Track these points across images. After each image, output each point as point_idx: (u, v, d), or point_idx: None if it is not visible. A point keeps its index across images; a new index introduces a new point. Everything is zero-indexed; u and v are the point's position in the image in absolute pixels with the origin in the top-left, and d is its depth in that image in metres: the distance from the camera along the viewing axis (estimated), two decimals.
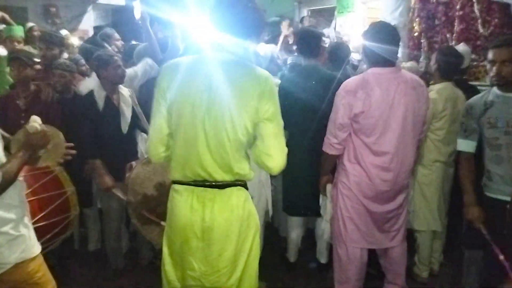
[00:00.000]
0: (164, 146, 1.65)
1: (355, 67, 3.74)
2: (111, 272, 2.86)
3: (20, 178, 1.66)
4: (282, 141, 1.62)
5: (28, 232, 1.67)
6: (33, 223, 2.01)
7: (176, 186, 1.66)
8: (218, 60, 1.57)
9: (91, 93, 2.67)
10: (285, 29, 4.52)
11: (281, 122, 1.62)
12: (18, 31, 3.99)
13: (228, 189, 1.63)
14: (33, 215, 2.07)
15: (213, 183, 1.61)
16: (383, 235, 2.29)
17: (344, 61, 3.17)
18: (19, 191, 1.65)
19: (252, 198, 1.75)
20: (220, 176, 1.60)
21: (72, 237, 3.15)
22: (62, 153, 1.82)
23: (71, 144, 1.87)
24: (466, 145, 2.25)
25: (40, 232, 1.83)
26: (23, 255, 1.62)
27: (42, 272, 1.71)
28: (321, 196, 2.58)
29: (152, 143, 1.66)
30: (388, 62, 2.11)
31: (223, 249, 1.63)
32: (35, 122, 1.62)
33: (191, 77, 1.57)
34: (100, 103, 2.66)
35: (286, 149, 1.63)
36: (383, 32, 2.12)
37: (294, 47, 5.09)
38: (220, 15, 1.58)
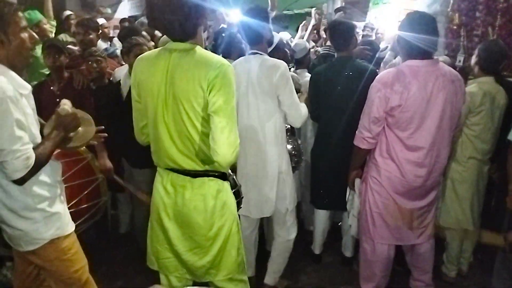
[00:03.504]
0: (144, 135, 1.75)
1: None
2: (141, 254, 2.94)
3: (57, 160, 1.74)
4: (231, 135, 1.50)
5: (63, 210, 1.74)
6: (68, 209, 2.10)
7: (158, 167, 1.74)
8: (178, 50, 1.55)
9: (118, 82, 2.74)
10: (314, 19, 4.44)
11: (232, 114, 1.51)
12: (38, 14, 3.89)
13: (199, 179, 1.63)
14: (67, 201, 2.16)
15: (185, 171, 1.63)
16: (411, 231, 2.23)
17: (374, 58, 3.12)
18: (55, 171, 1.72)
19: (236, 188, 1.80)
20: (189, 165, 1.61)
21: (106, 220, 3.28)
22: (91, 136, 1.87)
23: (102, 127, 1.95)
24: None
25: (73, 217, 1.91)
26: (58, 232, 1.69)
27: (75, 249, 1.77)
28: (348, 190, 2.55)
29: (135, 134, 1.77)
30: (425, 54, 2.02)
31: (193, 233, 1.68)
32: (66, 105, 1.68)
33: (154, 69, 1.58)
34: (125, 92, 2.68)
35: (235, 143, 1.52)
36: (420, 22, 2.03)
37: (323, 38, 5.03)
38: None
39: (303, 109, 2.35)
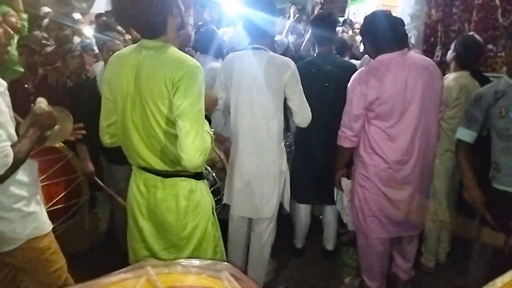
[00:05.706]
0: (108, 135, 1.71)
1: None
2: (120, 253, 2.90)
3: (34, 159, 1.69)
4: (197, 139, 1.43)
5: (40, 209, 1.70)
6: (48, 207, 2.05)
7: (132, 166, 1.71)
8: (148, 47, 1.50)
9: (95, 78, 2.68)
10: (292, 16, 4.48)
11: (198, 117, 1.44)
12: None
13: (171, 179, 1.60)
14: (48, 199, 2.11)
15: (156, 171, 1.61)
16: (407, 222, 2.24)
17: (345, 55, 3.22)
18: (31, 169, 1.68)
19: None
20: (159, 165, 1.58)
21: (83, 219, 3.22)
22: (68, 133, 1.84)
23: (81, 125, 1.90)
24: (466, 135, 2.18)
25: (53, 216, 1.87)
26: (35, 232, 1.65)
27: (53, 249, 1.74)
28: (335, 190, 2.57)
29: (100, 132, 1.73)
30: (392, 47, 2.06)
31: (167, 233, 1.67)
32: (41, 103, 1.64)
33: (124, 67, 1.54)
34: (101, 88, 2.61)
35: (202, 147, 1.45)
36: (379, 19, 2.08)
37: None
38: None
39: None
